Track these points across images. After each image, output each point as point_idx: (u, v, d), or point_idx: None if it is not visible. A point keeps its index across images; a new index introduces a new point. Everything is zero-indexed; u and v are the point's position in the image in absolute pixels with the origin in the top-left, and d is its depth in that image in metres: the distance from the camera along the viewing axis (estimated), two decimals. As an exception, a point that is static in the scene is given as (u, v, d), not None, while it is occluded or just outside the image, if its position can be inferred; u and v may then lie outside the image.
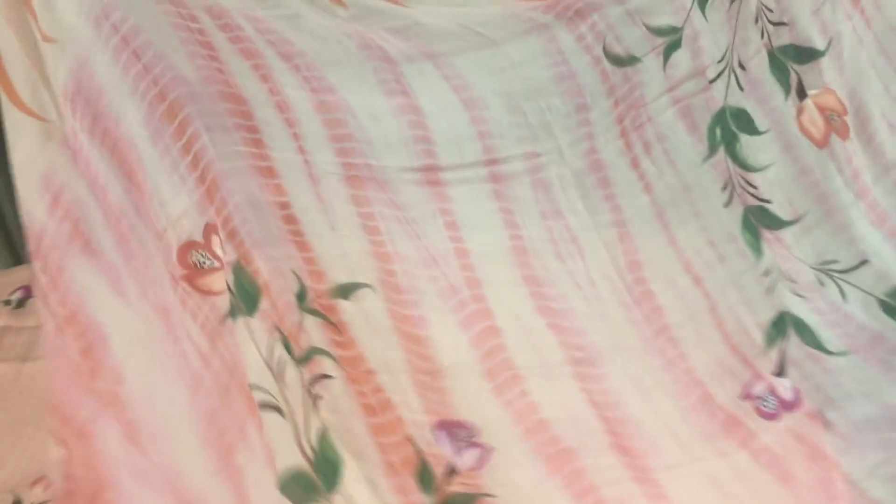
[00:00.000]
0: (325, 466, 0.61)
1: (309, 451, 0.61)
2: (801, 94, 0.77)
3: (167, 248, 0.62)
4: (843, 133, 0.77)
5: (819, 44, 0.76)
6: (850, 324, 0.77)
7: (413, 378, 0.68)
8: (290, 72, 0.69)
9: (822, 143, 0.76)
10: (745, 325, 0.75)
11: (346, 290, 0.68)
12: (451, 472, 0.65)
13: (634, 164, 0.77)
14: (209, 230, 0.63)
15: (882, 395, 0.71)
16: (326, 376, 0.63)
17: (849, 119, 0.78)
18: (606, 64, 0.78)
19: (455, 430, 0.67)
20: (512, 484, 0.66)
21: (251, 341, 0.62)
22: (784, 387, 0.73)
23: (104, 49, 0.62)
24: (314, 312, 0.66)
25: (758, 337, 0.75)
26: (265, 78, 0.68)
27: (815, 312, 0.76)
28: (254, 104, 0.67)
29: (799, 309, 0.76)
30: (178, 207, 0.63)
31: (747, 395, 0.74)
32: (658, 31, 0.79)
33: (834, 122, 0.77)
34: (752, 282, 0.76)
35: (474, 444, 0.67)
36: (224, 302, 0.62)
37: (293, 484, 0.59)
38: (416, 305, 0.70)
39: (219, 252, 0.62)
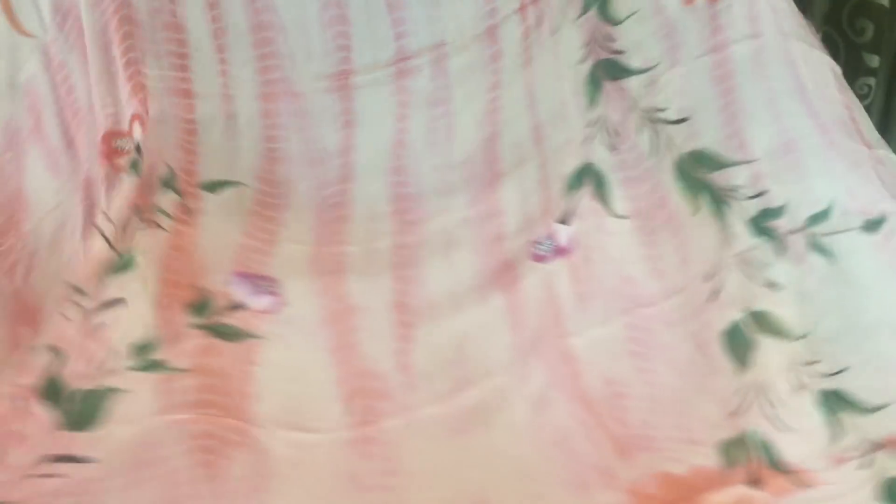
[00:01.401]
0: (125, 258, 0.75)
1: (121, 239, 0.76)
2: None
3: (99, 132, 0.77)
4: None
5: None
6: (644, 184, 0.79)
7: (243, 243, 0.78)
8: None
9: (689, 1, 0.77)
10: (558, 175, 0.80)
11: (215, 186, 0.79)
12: (235, 307, 0.75)
13: (524, 35, 0.80)
14: (133, 118, 0.77)
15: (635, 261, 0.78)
16: (158, 226, 0.77)
17: None
18: None
19: (258, 281, 0.77)
20: (286, 335, 0.74)
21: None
22: (563, 233, 0.78)
23: None
24: (174, 192, 0.79)
25: (559, 186, 0.79)
26: (213, 5, 0.76)
27: (617, 168, 0.79)
28: (192, 33, 0.76)
29: (603, 161, 0.79)
30: (110, 104, 0.77)
31: (531, 242, 0.79)
32: None
33: None
34: (576, 131, 0.79)
35: (272, 293, 0.76)
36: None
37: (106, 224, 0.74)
38: (282, 196, 0.80)
39: (135, 131, 0.77)
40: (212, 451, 0.67)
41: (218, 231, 0.79)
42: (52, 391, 0.67)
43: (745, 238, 0.74)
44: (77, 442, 0.65)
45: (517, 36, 0.79)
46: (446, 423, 0.70)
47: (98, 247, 0.75)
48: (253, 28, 0.77)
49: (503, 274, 0.78)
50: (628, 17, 0.77)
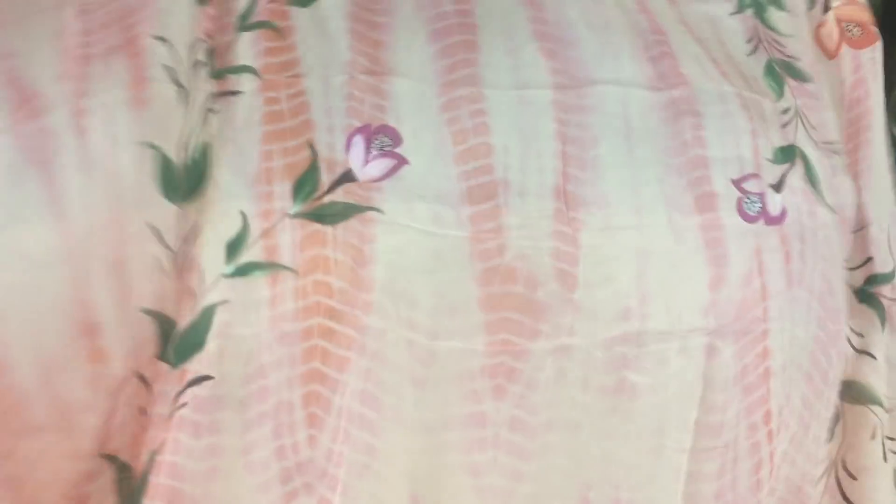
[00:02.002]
0: (192, 172, 0.57)
1: (187, 150, 0.58)
2: (826, 7, 0.75)
3: None
4: (858, 43, 0.77)
5: None
6: (839, 196, 0.77)
7: (352, 80, 0.61)
8: None
9: (833, 54, 0.75)
10: (763, 120, 0.73)
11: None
12: (345, 179, 0.59)
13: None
14: None
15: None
16: (235, 92, 0.59)
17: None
18: None
19: (376, 137, 0.59)
20: (407, 205, 0.57)
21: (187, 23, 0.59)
22: (775, 201, 0.67)
23: None
24: (255, 26, 0.61)
25: (767, 150, 0.72)
26: None
27: (820, 164, 0.76)
28: None
29: (811, 153, 0.70)
30: None
31: (740, 183, 0.63)
32: None
33: (849, 32, 0.76)
34: (770, 112, 0.70)
35: (389, 154, 0.59)
36: None
37: (163, 166, 0.56)
38: (386, 12, 0.62)
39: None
40: (316, 379, 0.54)
41: (318, 60, 0.61)
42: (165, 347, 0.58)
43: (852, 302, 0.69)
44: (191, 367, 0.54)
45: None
46: (602, 366, 0.57)
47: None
48: None
49: (704, 208, 0.62)
50: (791, 35, 0.77)
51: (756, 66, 0.78)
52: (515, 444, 0.54)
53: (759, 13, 0.80)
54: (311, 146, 0.57)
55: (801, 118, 0.77)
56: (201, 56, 0.64)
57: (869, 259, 0.72)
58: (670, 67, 0.68)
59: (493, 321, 0.55)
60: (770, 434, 0.60)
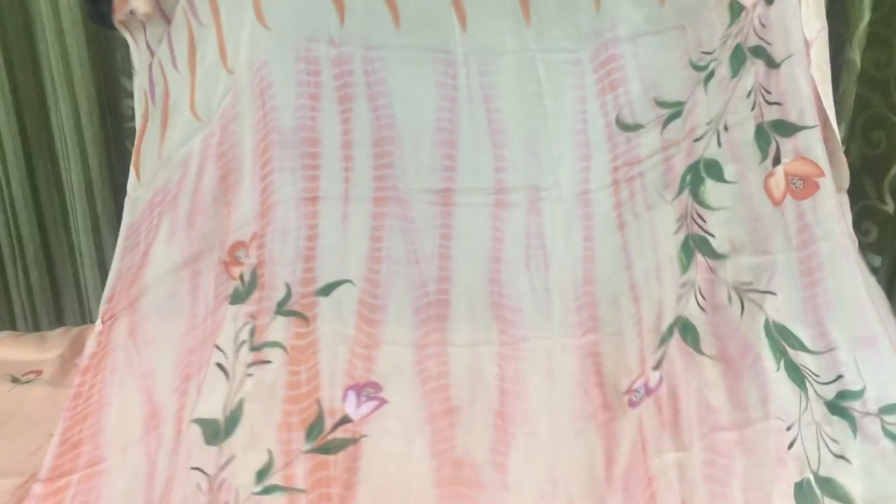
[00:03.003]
0: (231, 421, 0.82)
1: (227, 408, 0.83)
2: (777, 161, 0.84)
3: (226, 237, 0.92)
4: (801, 195, 0.83)
5: (810, 122, 0.83)
6: (734, 337, 0.84)
7: (351, 350, 0.87)
8: (370, 112, 0.92)
9: (778, 202, 0.84)
10: (654, 330, 0.87)
11: (329, 289, 0.91)
12: (343, 421, 0.83)
13: (617, 206, 0.91)
14: (253, 237, 0.90)
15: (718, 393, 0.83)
16: (266, 361, 0.85)
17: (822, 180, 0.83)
18: (615, 128, 0.93)
19: (364, 389, 0.85)
20: (387, 429, 0.82)
21: (233, 321, 0.88)
22: (654, 377, 0.85)
23: (250, 90, 0.91)
24: (289, 313, 0.89)
25: (655, 340, 0.87)
26: (346, 120, 0.92)
27: (707, 324, 0.85)
28: (325, 145, 0.92)
29: (696, 317, 0.85)
30: (245, 216, 0.91)
31: (629, 390, 0.86)
32: (664, 105, 0.93)
33: (793, 185, 0.84)
34: (670, 293, 0.87)
35: (374, 398, 0.84)
36: (234, 287, 0.91)
37: (208, 425, 0.82)
38: (385, 296, 0.90)
39: (251, 253, 0.90)
40: None
41: (330, 339, 0.88)
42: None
43: (822, 412, 0.78)
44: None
45: (610, 204, 0.91)
46: None
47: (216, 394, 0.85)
48: (375, 141, 0.92)
49: (601, 415, 0.85)
50: (719, 209, 0.86)
51: (675, 243, 0.88)
52: None
53: (694, 190, 0.88)
54: (319, 403, 0.82)
55: (694, 290, 0.86)
56: (245, 335, 0.86)
57: (839, 376, 0.79)
58: (588, 315, 0.87)
59: (445, 493, 0.76)
60: None
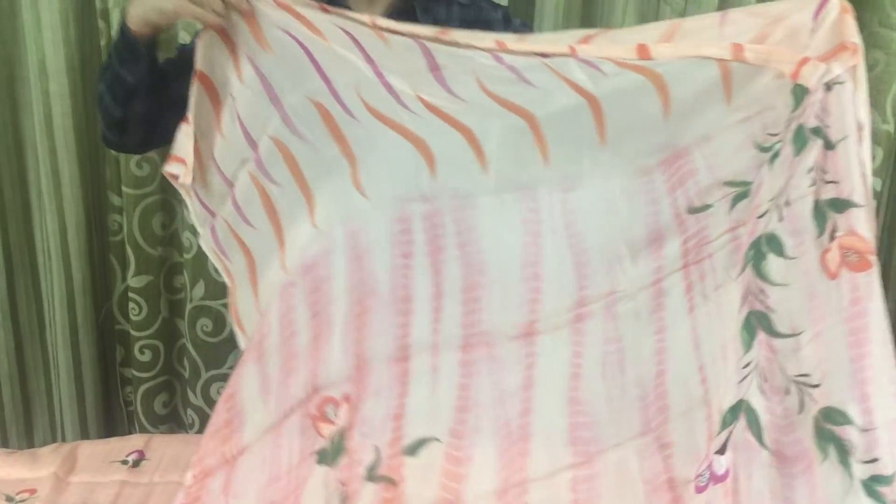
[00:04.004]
0: None
1: None
2: (832, 237, 0.87)
3: (314, 393, 0.95)
4: (856, 268, 0.86)
5: (861, 200, 0.86)
6: (790, 434, 0.86)
7: None
8: (459, 259, 0.96)
9: (833, 275, 0.86)
10: (718, 409, 0.88)
11: (415, 447, 0.94)
12: None
13: (688, 289, 0.95)
14: (346, 398, 0.93)
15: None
16: None
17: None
18: (684, 213, 0.96)
19: None
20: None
21: (323, 486, 0.92)
22: (720, 463, 0.85)
23: (344, 252, 0.97)
24: (378, 479, 0.92)
25: (718, 420, 0.87)
26: (437, 272, 0.96)
27: (767, 411, 0.87)
28: (417, 301, 0.95)
29: (757, 403, 0.86)
30: (336, 374, 0.94)
31: (696, 476, 0.88)
32: (732, 184, 0.96)
33: (848, 258, 0.86)
34: (733, 371, 0.88)
35: None
36: (322, 446, 0.93)
37: None
38: (470, 446, 0.94)
39: (341, 414, 0.93)
40: None
41: (419, 494, 0.92)
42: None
43: (860, 496, 0.82)
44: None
45: (681, 289, 0.94)
46: None
47: None
48: (464, 288, 0.96)
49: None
50: (780, 284, 0.88)
51: (739, 321, 0.89)
52: None
53: (756, 265, 0.89)
54: None
55: (757, 371, 0.88)
56: (336, 502, 0.91)
57: (875, 459, 0.82)
58: (659, 407, 0.92)
59: None
60: None
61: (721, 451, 0.85)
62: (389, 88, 0.93)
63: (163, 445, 1.23)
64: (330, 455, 0.92)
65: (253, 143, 0.97)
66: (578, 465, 0.93)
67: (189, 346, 1.71)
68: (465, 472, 0.92)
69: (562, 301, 0.96)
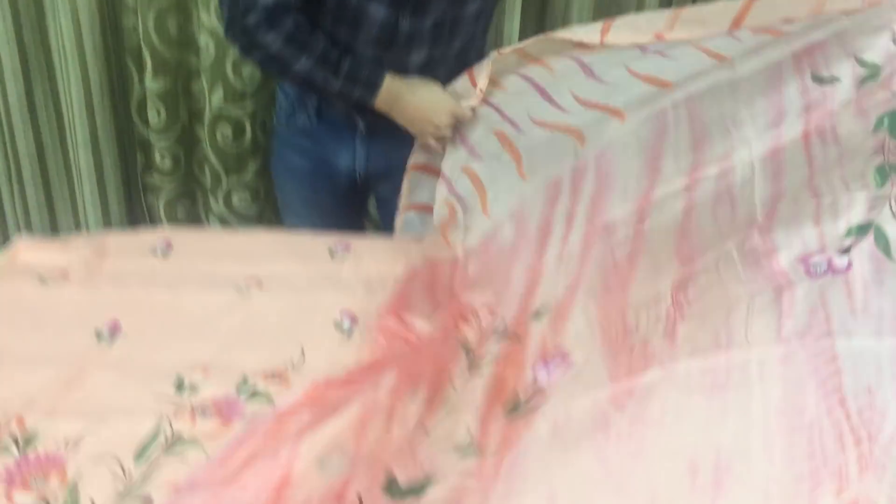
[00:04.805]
0: None
1: None
2: None
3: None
4: None
5: None
6: None
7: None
8: (593, 178, 1.08)
9: None
10: (834, 218, 0.85)
11: (538, 313, 0.97)
12: (536, 392, 0.85)
13: (805, 144, 0.95)
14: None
15: None
16: None
17: None
18: (809, 81, 0.97)
19: (552, 360, 0.89)
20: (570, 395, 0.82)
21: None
22: (841, 260, 0.81)
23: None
24: (504, 336, 0.97)
25: (838, 228, 0.84)
26: (575, 192, 1.09)
27: None
28: (555, 224, 1.08)
29: (890, 228, 0.82)
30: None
31: (803, 259, 0.84)
32: (863, 63, 0.96)
33: None
34: (861, 197, 0.86)
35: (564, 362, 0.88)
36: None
37: None
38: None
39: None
40: None
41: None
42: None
43: None
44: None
45: (797, 135, 0.97)
46: (703, 379, 0.74)
47: None
48: (594, 196, 1.04)
49: (775, 281, 0.82)
50: None
51: (870, 166, 0.89)
52: None
53: (892, 128, 0.90)
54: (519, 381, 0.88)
55: (889, 202, 0.85)
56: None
57: None
58: (766, 217, 0.90)
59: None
60: None
61: (844, 251, 0.82)
62: (554, 104, 1.23)
63: (191, 238, 1.26)
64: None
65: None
66: (679, 271, 0.91)
67: (209, 152, 1.71)
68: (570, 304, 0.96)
69: (678, 169, 0.98)
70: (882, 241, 0.82)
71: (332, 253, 1.22)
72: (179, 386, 0.94)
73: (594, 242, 0.99)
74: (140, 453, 0.83)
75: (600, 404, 0.76)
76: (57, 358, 0.99)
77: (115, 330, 1.05)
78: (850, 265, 0.80)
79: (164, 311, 1.09)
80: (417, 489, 0.78)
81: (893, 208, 0.85)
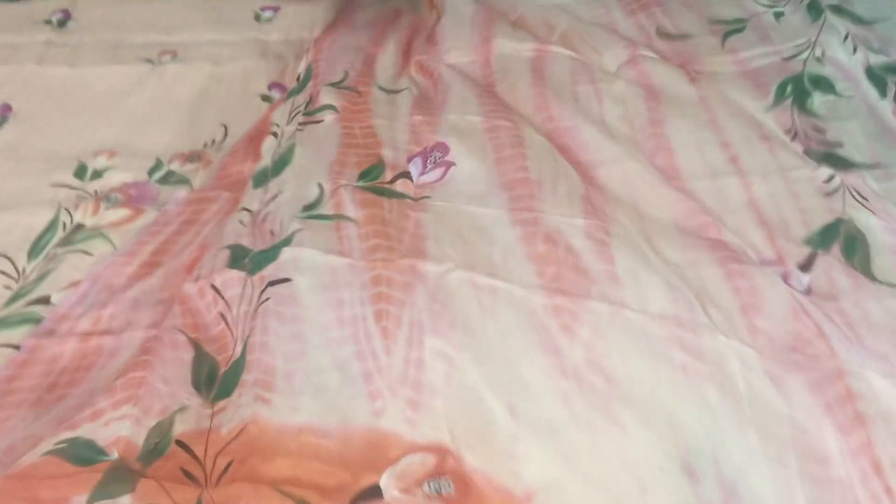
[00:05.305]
0: (279, 163, 0.76)
1: (276, 154, 0.79)
2: None
3: None
4: None
5: None
6: None
7: (411, 121, 0.81)
8: None
9: None
10: (785, 214, 0.69)
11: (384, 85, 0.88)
12: (405, 176, 0.74)
13: (690, 81, 0.84)
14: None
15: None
16: (319, 121, 0.81)
17: None
18: (655, 38, 0.92)
19: (430, 154, 0.76)
20: (456, 191, 0.71)
21: (289, 105, 0.88)
22: (800, 280, 0.65)
23: None
24: (344, 88, 0.85)
25: (799, 231, 0.68)
26: None
27: (886, 231, 0.67)
28: None
29: (865, 222, 0.68)
30: None
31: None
32: (719, 21, 0.93)
33: None
34: (805, 180, 0.72)
35: (440, 164, 0.75)
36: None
37: (258, 174, 0.78)
38: (442, 92, 0.86)
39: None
40: (384, 300, 0.63)
41: (385, 112, 0.82)
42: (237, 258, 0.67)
43: None
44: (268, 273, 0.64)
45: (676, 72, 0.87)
46: (665, 340, 0.58)
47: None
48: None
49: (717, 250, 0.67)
50: (836, 119, 0.79)
51: (792, 152, 0.75)
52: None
53: (799, 101, 0.80)
54: (380, 157, 0.75)
55: (845, 186, 0.71)
56: (300, 108, 0.80)
57: None
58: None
59: (544, 271, 0.62)
60: None
61: (804, 268, 0.66)
62: None
63: (93, 5, 1.07)
64: (297, 89, 0.90)
65: None
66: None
67: None
68: (442, 105, 0.85)
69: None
70: (857, 252, 0.66)
71: (258, 17, 1.05)
72: (81, 172, 0.81)
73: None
74: (34, 248, 0.71)
75: (533, 309, 0.61)
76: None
77: (4, 113, 0.90)
78: (810, 292, 0.64)
79: (62, 89, 0.93)
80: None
81: (858, 198, 0.70)
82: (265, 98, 0.91)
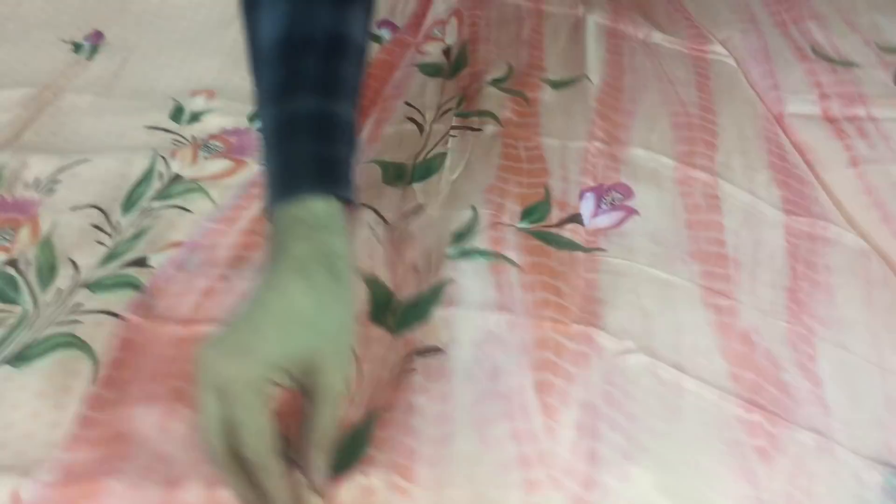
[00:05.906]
0: (422, 168, 0.67)
1: (419, 156, 0.69)
2: None
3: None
4: None
5: None
6: None
7: (587, 146, 0.68)
8: None
9: None
10: None
11: (560, 84, 0.76)
12: (574, 220, 0.63)
13: (852, 163, 0.70)
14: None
15: None
16: (476, 129, 0.71)
17: None
18: (810, 52, 0.81)
19: (608, 193, 0.65)
20: (633, 247, 0.61)
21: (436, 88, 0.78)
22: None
23: None
24: (508, 91, 0.74)
25: None
26: None
27: None
28: None
29: None
30: None
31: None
32: (891, 50, 0.81)
33: None
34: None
35: (619, 207, 0.64)
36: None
37: (387, 165, 0.68)
38: (632, 101, 0.75)
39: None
40: (549, 368, 0.52)
41: (557, 128, 0.71)
42: (378, 305, 0.56)
43: None
44: (420, 337, 0.54)
45: None
46: (875, 489, 0.49)
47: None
48: None
49: None
50: None
51: None
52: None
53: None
54: (546, 188, 0.64)
55: None
56: (451, 104, 0.73)
57: None
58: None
59: (740, 377, 0.53)
60: None
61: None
62: None
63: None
64: (445, 69, 0.80)
65: None
66: (791, 214, 0.67)
67: None
68: (627, 124, 0.75)
69: None
70: None
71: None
72: (177, 115, 0.74)
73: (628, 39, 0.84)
74: (128, 200, 0.65)
75: (727, 421, 0.51)
76: (24, 78, 0.78)
77: (96, 41, 0.84)
78: None
79: (155, 18, 0.87)
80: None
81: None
82: (375, 38, 0.82)
